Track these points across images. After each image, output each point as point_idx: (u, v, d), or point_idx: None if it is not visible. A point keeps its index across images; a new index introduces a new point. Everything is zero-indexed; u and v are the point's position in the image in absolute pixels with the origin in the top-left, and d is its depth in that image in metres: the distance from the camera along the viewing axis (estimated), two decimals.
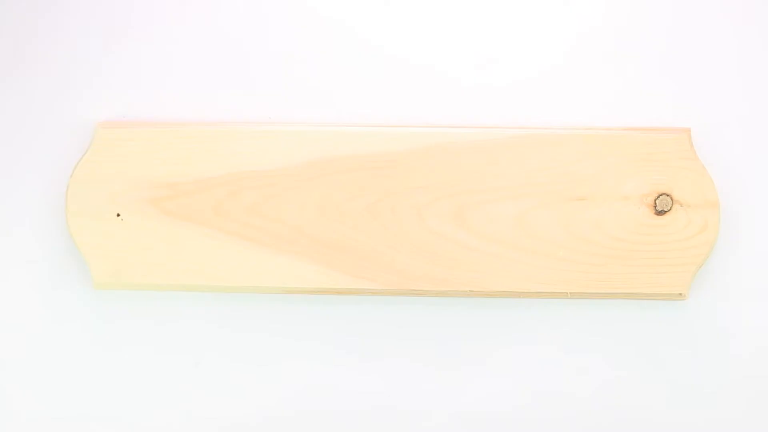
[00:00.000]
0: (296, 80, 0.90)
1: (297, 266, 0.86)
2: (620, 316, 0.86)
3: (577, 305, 0.86)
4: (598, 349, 0.87)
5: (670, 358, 0.86)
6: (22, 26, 0.91)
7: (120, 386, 0.90)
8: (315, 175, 0.87)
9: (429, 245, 0.86)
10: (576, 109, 0.88)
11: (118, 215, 0.88)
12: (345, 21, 0.90)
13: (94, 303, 0.90)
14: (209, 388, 0.89)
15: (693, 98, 0.88)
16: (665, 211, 0.85)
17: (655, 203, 0.85)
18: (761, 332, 0.86)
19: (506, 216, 0.86)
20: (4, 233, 0.91)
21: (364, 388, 0.88)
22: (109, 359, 0.90)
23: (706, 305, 0.86)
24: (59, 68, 0.91)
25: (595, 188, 0.85)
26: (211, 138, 0.88)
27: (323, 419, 0.87)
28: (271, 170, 0.87)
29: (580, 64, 0.89)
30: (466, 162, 0.86)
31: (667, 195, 0.85)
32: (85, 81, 0.91)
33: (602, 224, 0.85)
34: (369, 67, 0.90)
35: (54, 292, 0.90)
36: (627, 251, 0.85)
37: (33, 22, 0.92)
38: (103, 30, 0.91)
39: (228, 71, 0.91)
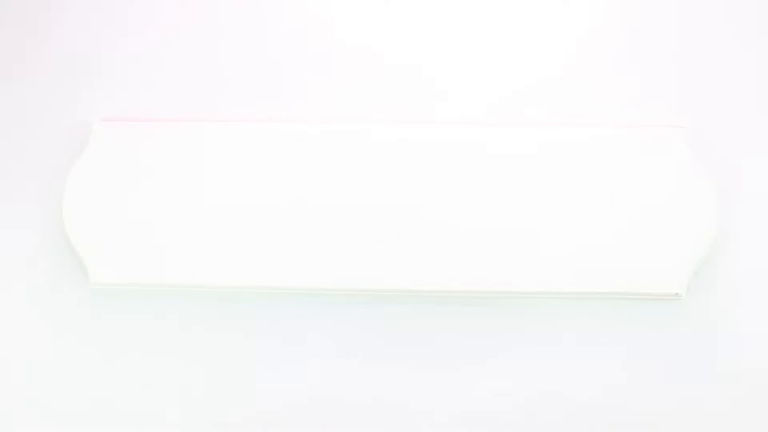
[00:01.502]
0: (296, 80, 0.90)
1: (296, 266, 0.86)
2: (618, 315, 0.86)
3: (577, 305, 0.87)
4: (597, 349, 0.87)
5: (667, 357, 0.87)
6: (22, 26, 0.91)
7: (119, 385, 0.89)
8: (315, 174, 0.87)
9: (429, 245, 0.86)
10: (575, 109, 0.89)
11: (118, 215, 0.87)
12: (345, 21, 0.90)
13: (92, 302, 0.89)
14: (209, 388, 0.89)
15: (693, 98, 0.88)
16: (664, 212, 0.85)
17: (653, 203, 0.85)
18: (757, 332, 0.86)
19: (507, 215, 0.86)
20: (1, 234, 0.91)
21: (365, 388, 0.88)
22: (108, 358, 0.89)
23: (703, 305, 0.87)
24: (58, 68, 0.91)
25: (594, 187, 0.86)
26: (211, 137, 0.88)
27: (323, 419, 0.87)
28: (271, 169, 0.88)
29: (580, 64, 0.89)
30: (467, 161, 0.87)
31: (666, 195, 0.85)
32: (83, 81, 0.91)
33: (601, 224, 0.85)
34: (369, 67, 0.90)
35: (52, 291, 0.90)
36: (625, 251, 0.85)
37: (33, 22, 0.91)
38: (103, 30, 0.91)
39: (227, 71, 0.90)
